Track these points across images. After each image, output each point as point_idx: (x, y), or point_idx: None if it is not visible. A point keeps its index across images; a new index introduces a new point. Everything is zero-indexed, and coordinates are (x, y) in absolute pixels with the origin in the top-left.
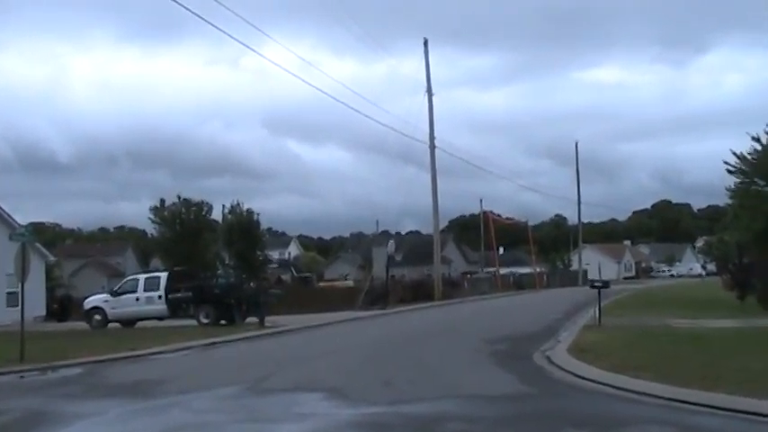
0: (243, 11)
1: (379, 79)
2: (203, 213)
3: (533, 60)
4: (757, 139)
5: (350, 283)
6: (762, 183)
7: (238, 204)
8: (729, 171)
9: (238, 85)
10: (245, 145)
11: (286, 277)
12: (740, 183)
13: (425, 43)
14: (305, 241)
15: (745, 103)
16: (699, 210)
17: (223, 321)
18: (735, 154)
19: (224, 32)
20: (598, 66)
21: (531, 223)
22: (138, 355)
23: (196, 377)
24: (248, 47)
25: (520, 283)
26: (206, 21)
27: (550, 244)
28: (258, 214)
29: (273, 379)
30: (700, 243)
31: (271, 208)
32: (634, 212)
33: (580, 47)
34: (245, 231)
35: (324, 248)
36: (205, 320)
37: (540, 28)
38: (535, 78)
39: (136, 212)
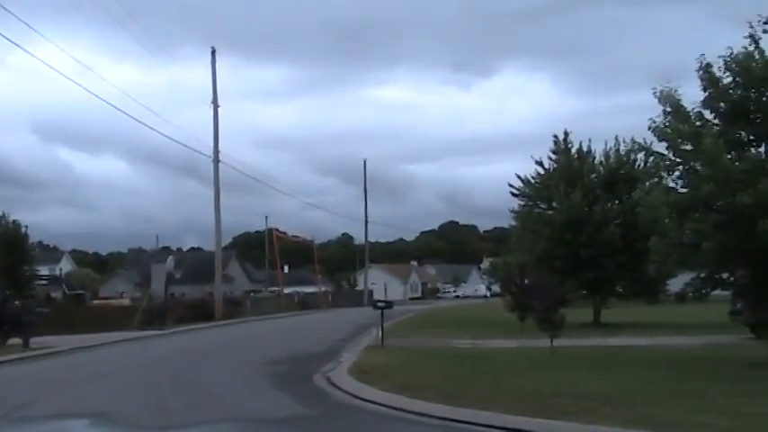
0: (10, 5)
1: (161, 87)
2: None
3: (322, 75)
4: (540, 163)
5: (126, 301)
6: (544, 206)
7: (3, 216)
8: (513, 194)
9: (4, 86)
10: (11, 151)
11: (57, 295)
12: (524, 206)
13: (213, 53)
14: (79, 257)
15: (527, 127)
16: (485, 231)
17: None
18: (519, 177)
19: None
20: (387, 84)
21: (317, 242)
22: None
23: None
24: (17, 45)
25: (304, 303)
26: None
27: (337, 263)
28: (26, 227)
29: (34, 406)
30: (485, 264)
31: (40, 220)
32: (422, 233)
33: (369, 65)
34: (10, 245)
35: (100, 264)
36: None
37: (330, 43)
38: (323, 94)
39: None
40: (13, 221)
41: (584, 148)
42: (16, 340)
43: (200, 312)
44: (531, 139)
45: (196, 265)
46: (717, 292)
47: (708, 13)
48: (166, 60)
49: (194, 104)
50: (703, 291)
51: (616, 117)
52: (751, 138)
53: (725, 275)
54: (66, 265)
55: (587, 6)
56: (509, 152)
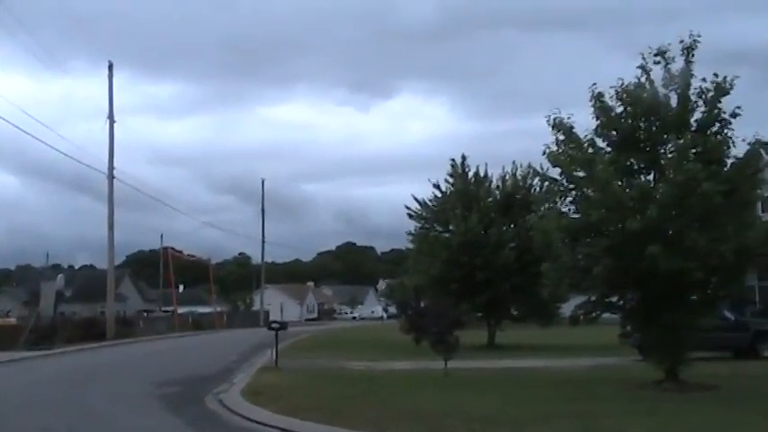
0: None
1: (52, 100)
2: None
3: (219, 93)
4: (438, 186)
5: (13, 320)
6: (440, 229)
7: None
8: (410, 216)
9: None
10: None
11: None
12: (420, 228)
13: (110, 67)
14: None
15: (425, 149)
16: (382, 253)
17: None
18: (416, 200)
19: None
20: (285, 103)
21: (214, 261)
22: None
23: None
24: None
25: (199, 323)
26: None
27: (233, 283)
28: None
29: None
30: (382, 286)
31: None
32: (319, 253)
33: (267, 83)
34: None
35: None
36: None
37: (228, 60)
38: (220, 111)
39: None
40: None
41: (482, 172)
42: None
43: (92, 332)
44: (429, 160)
45: (88, 283)
46: (607, 315)
47: (600, 40)
48: (58, 73)
49: (88, 118)
50: (594, 314)
51: (512, 140)
52: (641, 165)
53: (615, 299)
54: None
55: (484, 30)
56: (407, 174)
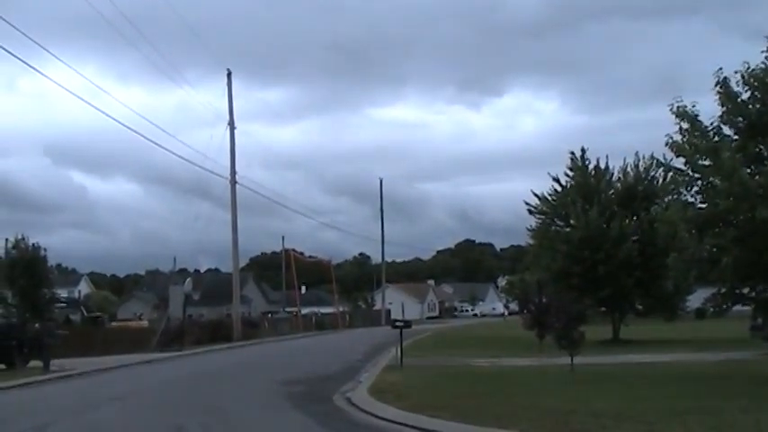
0: (18, 26)
1: (167, 110)
2: None
3: (329, 96)
4: (557, 180)
5: (144, 323)
6: (561, 223)
7: (23, 239)
8: (530, 211)
9: (15, 109)
10: (23, 174)
11: (75, 317)
12: (540, 223)
13: (229, 75)
14: (97, 279)
15: (537, 144)
16: (501, 249)
17: (2, 366)
18: (535, 195)
19: (5, 49)
20: (395, 104)
21: (333, 262)
22: None
23: None
24: (31, 66)
25: (321, 324)
26: None
27: (353, 283)
28: (45, 249)
29: (55, 427)
30: (502, 282)
31: (55, 243)
32: (438, 252)
33: (376, 84)
34: (29, 268)
35: (117, 287)
36: None
37: (336, 63)
38: (331, 114)
39: None
40: (33, 244)
41: (602, 165)
42: (37, 362)
43: (218, 334)
44: (543, 156)
45: (213, 286)
46: (737, 307)
47: (714, 23)
48: (172, 83)
49: (203, 126)
50: (723, 306)
51: (626, 132)
52: None
53: (745, 290)
54: (84, 288)
55: (592, 21)
56: (521, 170)
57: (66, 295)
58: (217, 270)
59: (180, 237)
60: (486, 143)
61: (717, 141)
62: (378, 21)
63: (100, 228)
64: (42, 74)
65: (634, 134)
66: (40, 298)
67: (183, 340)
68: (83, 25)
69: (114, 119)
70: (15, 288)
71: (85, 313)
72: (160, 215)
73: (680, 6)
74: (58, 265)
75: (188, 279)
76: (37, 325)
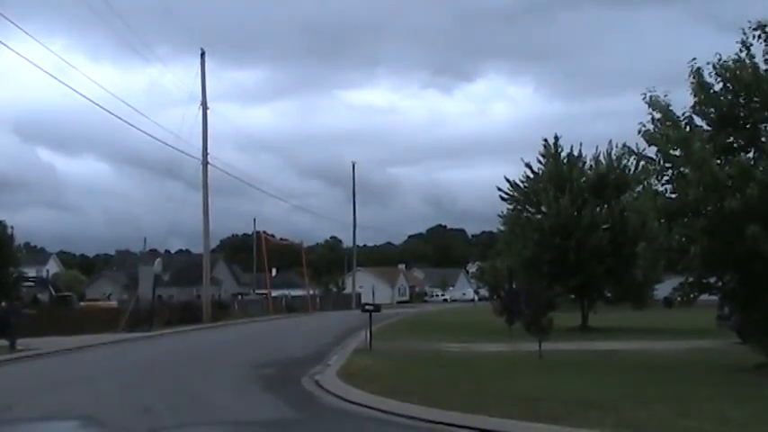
0: None
1: (139, 88)
2: None
3: (301, 78)
4: (529, 166)
5: (113, 303)
6: (532, 210)
7: None
8: (502, 198)
9: None
10: None
11: (44, 297)
12: (512, 210)
13: (202, 55)
14: (66, 258)
15: (510, 131)
16: (473, 235)
17: None
18: (508, 181)
19: None
20: (367, 87)
21: (305, 245)
22: None
23: None
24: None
25: (292, 306)
26: None
27: (325, 266)
28: (12, 227)
29: (20, 408)
30: (473, 268)
31: (23, 222)
32: (409, 236)
33: (348, 67)
34: None
35: (87, 266)
36: None
37: (309, 45)
38: (303, 96)
39: None
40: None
41: (575, 153)
42: (2, 342)
43: (188, 315)
44: (516, 142)
45: (184, 267)
46: (704, 297)
47: (687, 13)
48: (143, 61)
49: (174, 105)
50: (691, 296)
51: (599, 120)
52: (740, 143)
53: (712, 280)
54: (53, 267)
55: (565, 9)
56: (493, 156)
57: (34, 274)
58: (188, 251)
59: (151, 217)
60: (458, 129)
61: (688, 132)
62: (351, 3)
63: (69, 207)
64: (10, 48)
65: (607, 122)
66: (7, 277)
67: (152, 321)
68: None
69: (84, 96)
70: None
71: (54, 293)
72: (131, 195)
73: None
74: (26, 244)
75: (158, 259)
76: (3, 304)
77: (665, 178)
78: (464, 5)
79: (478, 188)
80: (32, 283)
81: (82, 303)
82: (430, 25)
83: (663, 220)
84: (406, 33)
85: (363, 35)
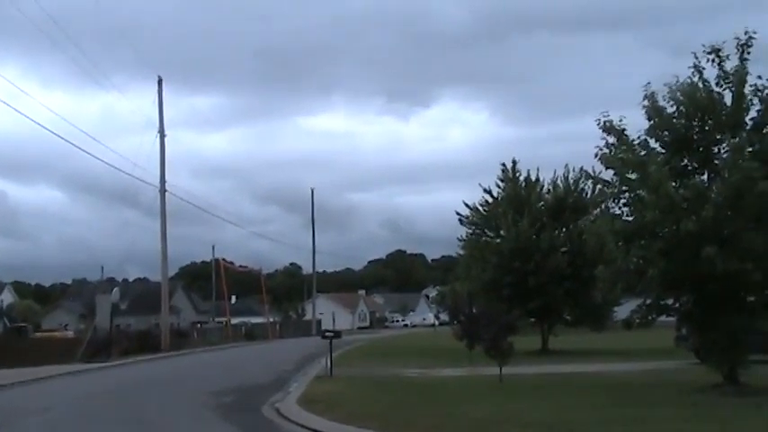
0: None
1: (93, 115)
2: None
3: (257, 103)
4: (488, 191)
5: (70, 333)
6: (491, 234)
7: None
8: (461, 221)
9: None
10: None
11: None
12: (471, 233)
13: (160, 82)
14: (21, 288)
15: (466, 156)
16: (433, 260)
17: None
18: (467, 205)
19: None
20: (322, 113)
21: (264, 272)
22: None
23: None
24: None
25: (252, 334)
26: None
27: (284, 293)
28: None
29: None
30: (433, 293)
31: None
32: (369, 262)
33: (304, 93)
34: None
35: (43, 296)
36: None
37: (264, 71)
38: (259, 122)
39: None
40: None
41: (533, 177)
42: None
43: (147, 344)
44: (472, 167)
45: (142, 295)
46: (662, 318)
47: (636, 38)
48: (97, 87)
49: (128, 132)
50: (649, 317)
51: (554, 144)
52: (695, 165)
53: (670, 301)
54: (7, 298)
55: (519, 33)
56: (450, 181)
57: None
58: (145, 279)
59: (108, 245)
60: (415, 154)
61: (644, 155)
62: (306, 28)
63: (23, 235)
64: None
65: (562, 146)
66: None
67: (110, 351)
68: (3, 25)
69: (37, 123)
70: None
71: (8, 323)
72: (87, 223)
73: (604, 21)
74: None
75: (115, 288)
76: None
77: (623, 201)
78: (418, 31)
79: (437, 213)
80: None
81: (37, 334)
82: (384, 50)
83: (621, 243)
84: (361, 59)
85: (319, 61)
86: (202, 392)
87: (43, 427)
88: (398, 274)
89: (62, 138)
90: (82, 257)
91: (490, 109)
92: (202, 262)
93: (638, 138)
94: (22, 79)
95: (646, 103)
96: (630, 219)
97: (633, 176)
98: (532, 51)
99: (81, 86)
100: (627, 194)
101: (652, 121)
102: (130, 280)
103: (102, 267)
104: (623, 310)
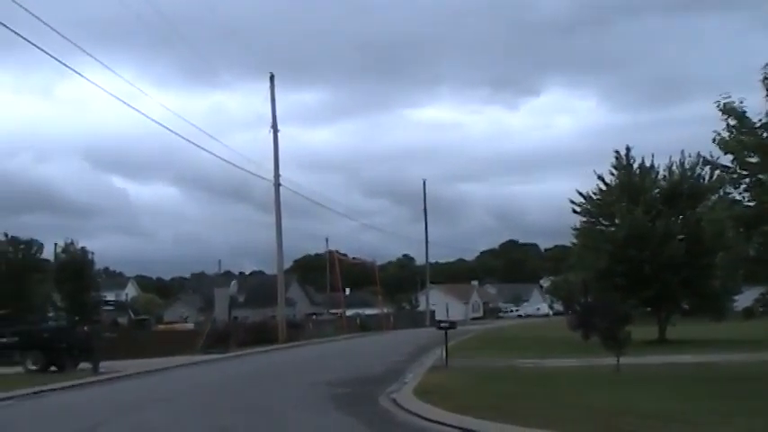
0: (53, 37)
1: (204, 113)
2: (33, 252)
3: (362, 97)
4: (602, 179)
5: (190, 325)
6: (605, 222)
7: (72, 243)
8: (575, 211)
9: (53, 116)
10: (64, 179)
11: (123, 320)
12: (585, 222)
13: (272, 79)
14: (143, 282)
15: (575, 144)
16: (546, 249)
17: (53, 368)
18: (580, 194)
19: (44, 51)
20: (428, 105)
21: (377, 263)
22: None
23: (16, 430)
24: (69, 67)
25: (366, 325)
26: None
27: (397, 284)
28: (93, 253)
29: (105, 427)
30: (546, 283)
31: (98, 248)
32: (481, 252)
33: (410, 85)
34: (77, 271)
35: (163, 290)
36: (33, 367)
37: (367, 65)
38: (366, 115)
39: None
40: (81, 248)
41: (647, 164)
42: (86, 365)
43: (263, 335)
44: (581, 155)
45: (258, 288)
46: None
47: (752, 19)
48: (207, 86)
49: (239, 129)
50: None
51: (665, 129)
52: None
53: None
54: (131, 291)
55: (624, 17)
56: (559, 169)
57: (113, 298)
58: (261, 272)
59: (223, 239)
60: (524, 143)
61: (765, 137)
62: (409, 21)
63: (143, 232)
64: (81, 75)
65: (674, 131)
66: (88, 301)
67: (228, 342)
68: (119, 28)
69: (155, 120)
70: (64, 291)
71: (132, 316)
72: (203, 218)
73: (716, 1)
74: (106, 269)
75: (233, 281)
76: (86, 328)
77: (742, 186)
78: (521, 19)
79: (547, 202)
80: (112, 307)
81: (159, 326)
82: (488, 40)
83: (741, 229)
84: (465, 49)
85: (423, 53)
86: (320, 383)
87: (167, 414)
88: (510, 264)
89: (177, 134)
90: (199, 252)
91: (598, 96)
92: (316, 255)
93: (759, 120)
94: (138, 80)
95: (766, 83)
96: (751, 204)
97: (754, 160)
98: (640, 35)
99: (192, 86)
100: (747, 179)
101: None
102: (246, 273)
103: (220, 261)
104: (744, 299)
